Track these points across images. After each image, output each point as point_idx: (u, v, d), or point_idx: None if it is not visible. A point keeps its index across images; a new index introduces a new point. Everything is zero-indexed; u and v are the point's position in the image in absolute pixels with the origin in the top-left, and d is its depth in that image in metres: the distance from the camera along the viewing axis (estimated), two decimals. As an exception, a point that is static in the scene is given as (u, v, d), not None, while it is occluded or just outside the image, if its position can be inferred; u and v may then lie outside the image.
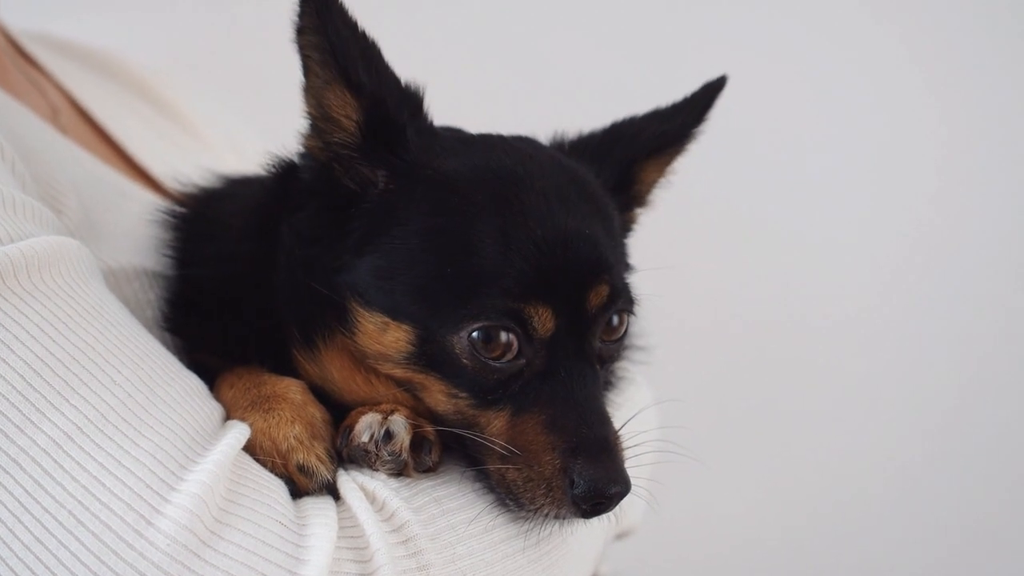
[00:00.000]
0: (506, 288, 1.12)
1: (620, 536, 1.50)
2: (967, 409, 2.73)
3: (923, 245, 2.70)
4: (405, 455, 1.14)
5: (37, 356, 1.02)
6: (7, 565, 0.95)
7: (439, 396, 1.17)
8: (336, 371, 1.22)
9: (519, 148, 1.27)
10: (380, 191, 1.20)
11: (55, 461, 0.98)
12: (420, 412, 1.19)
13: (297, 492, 1.10)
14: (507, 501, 1.14)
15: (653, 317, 1.42)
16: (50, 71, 1.81)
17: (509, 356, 1.13)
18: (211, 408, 1.14)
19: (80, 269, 1.15)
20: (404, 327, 1.15)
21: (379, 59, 1.20)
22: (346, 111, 1.18)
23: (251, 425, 1.12)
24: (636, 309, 1.24)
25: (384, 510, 1.08)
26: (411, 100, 1.23)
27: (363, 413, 1.16)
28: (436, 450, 1.17)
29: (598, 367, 1.19)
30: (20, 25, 1.82)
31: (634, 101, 1.42)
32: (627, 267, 1.32)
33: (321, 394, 1.22)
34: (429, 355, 1.15)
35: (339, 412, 1.20)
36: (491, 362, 1.13)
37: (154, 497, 0.98)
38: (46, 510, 0.96)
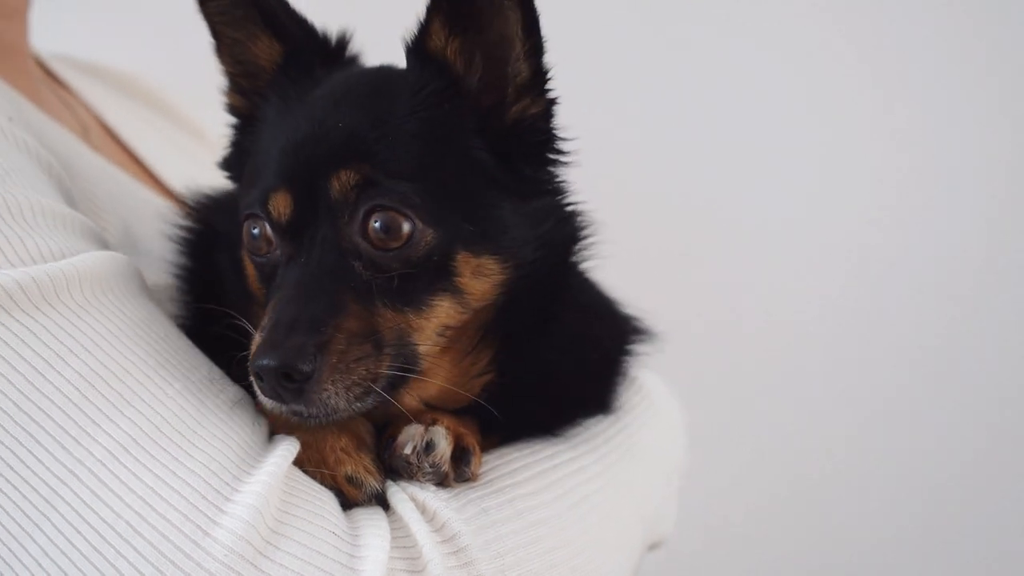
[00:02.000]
0: (262, 181, 1.18)
1: (653, 547, 1.51)
2: (959, 400, 2.72)
3: (894, 240, 2.67)
4: (446, 467, 1.14)
5: (91, 368, 1.04)
6: (67, 575, 0.96)
7: None
8: None
9: (362, 71, 1.31)
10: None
11: (111, 472, 0.99)
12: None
13: (347, 503, 1.11)
14: None
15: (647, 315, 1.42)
16: (77, 91, 1.82)
17: (270, 248, 1.18)
18: (259, 421, 1.15)
19: (129, 284, 1.17)
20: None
21: (293, 11, 1.30)
22: (272, 56, 1.29)
23: (298, 438, 1.13)
24: (415, 213, 1.13)
25: (435, 520, 1.09)
26: (324, 44, 1.31)
27: (406, 424, 1.18)
28: (476, 460, 1.18)
29: (352, 262, 1.13)
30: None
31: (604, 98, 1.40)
32: (436, 175, 1.17)
33: None
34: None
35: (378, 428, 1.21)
36: (259, 257, 1.19)
37: (210, 508, 0.99)
38: (104, 520, 0.97)
